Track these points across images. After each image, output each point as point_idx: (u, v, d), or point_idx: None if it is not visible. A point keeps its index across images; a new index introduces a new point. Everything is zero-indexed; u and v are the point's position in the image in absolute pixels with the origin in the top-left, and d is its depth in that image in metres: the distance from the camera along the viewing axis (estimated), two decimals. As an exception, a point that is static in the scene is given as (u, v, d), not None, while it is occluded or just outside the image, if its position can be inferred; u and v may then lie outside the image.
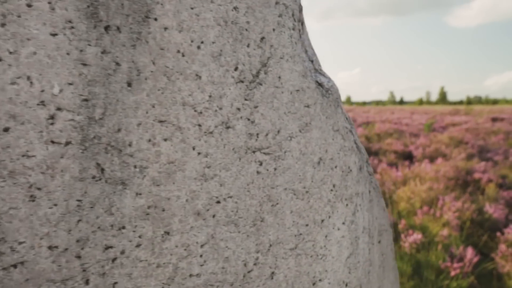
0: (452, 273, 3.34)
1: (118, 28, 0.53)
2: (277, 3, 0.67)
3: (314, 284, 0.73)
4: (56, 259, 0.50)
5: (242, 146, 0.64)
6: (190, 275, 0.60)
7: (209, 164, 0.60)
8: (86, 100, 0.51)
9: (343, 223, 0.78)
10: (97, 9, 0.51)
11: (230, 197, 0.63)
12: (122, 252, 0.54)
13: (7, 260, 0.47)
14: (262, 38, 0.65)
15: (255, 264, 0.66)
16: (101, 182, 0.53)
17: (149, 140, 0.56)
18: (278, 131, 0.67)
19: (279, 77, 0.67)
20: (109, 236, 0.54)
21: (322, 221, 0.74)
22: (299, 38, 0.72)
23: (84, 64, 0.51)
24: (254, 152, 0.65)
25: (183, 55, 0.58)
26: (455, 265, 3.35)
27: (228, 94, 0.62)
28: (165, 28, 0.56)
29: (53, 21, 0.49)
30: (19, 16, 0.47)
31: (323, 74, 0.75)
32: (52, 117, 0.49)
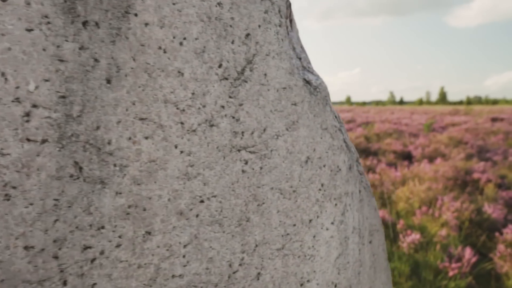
0: (450, 273, 3.33)
1: (96, 24, 0.52)
2: (263, -1, 0.66)
3: (302, 285, 0.72)
4: (32, 260, 0.49)
5: (226, 144, 0.62)
6: (173, 276, 0.59)
7: (192, 163, 0.59)
8: (63, 97, 0.50)
9: (332, 223, 0.76)
10: (75, 4, 0.50)
11: (214, 196, 0.62)
12: (102, 253, 0.53)
13: (-20, 260, 0.46)
14: (247, 35, 0.64)
15: (240, 264, 0.65)
16: (79, 181, 0.52)
17: (130, 138, 0.54)
18: (264, 130, 0.66)
19: (265, 75, 0.66)
20: (88, 236, 0.52)
21: (310, 221, 0.73)
22: (287, 35, 0.70)
23: (61, 60, 0.50)
24: (239, 150, 0.64)
25: (164, 52, 0.56)
26: (453, 265, 3.34)
27: (212, 92, 0.61)
28: (146, 24, 0.55)
29: (28, 16, 0.48)
30: (-8, 11, 0.46)
31: (311, 72, 0.74)
32: (27, 114, 0.48)
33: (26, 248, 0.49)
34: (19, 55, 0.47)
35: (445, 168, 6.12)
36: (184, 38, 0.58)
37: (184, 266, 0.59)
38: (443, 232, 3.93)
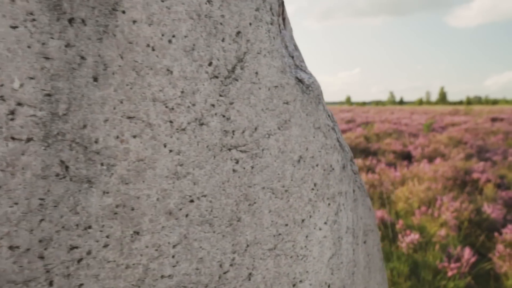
0: (449, 274, 3.32)
1: (83, 21, 0.51)
2: (254, -4, 0.65)
3: (294, 285, 0.72)
4: (17, 260, 0.49)
5: (217, 143, 0.62)
6: (162, 276, 0.58)
7: (181, 162, 0.59)
8: (48, 95, 0.49)
9: (325, 223, 0.76)
10: (60, 1, 0.50)
11: (204, 196, 0.61)
12: (89, 253, 0.53)
13: (-37, 261, 0.46)
14: (238, 33, 0.63)
15: (231, 265, 0.64)
16: (66, 180, 0.51)
17: (117, 137, 0.54)
18: (255, 129, 0.65)
19: (256, 73, 0.65)
20: (74, 236, 0.52)
21: (303, 221, 0.72)
22: (279, 33, 0.70)
23: (47, 58, 0.49)
24: (229, 149, 0.63)
25: (153, 49, 0.56)
26: (452, 265, 3.33)
27: (201, 90, 0.60)
28: (134, 21, 0.54)
29: (13, 13, 0.47)
30: (-25, 7, 0.45)
31: (304, 70, 0.73)
32: (12, 112, 0.47)
33: (11, 248, 0.48)
34: (4, 52, 0.47)
35: (444, 168, 6.11)
36: (173, 36, 0.57)
37: (174, 266, 0.59)
38: (442, 232, 3.93)
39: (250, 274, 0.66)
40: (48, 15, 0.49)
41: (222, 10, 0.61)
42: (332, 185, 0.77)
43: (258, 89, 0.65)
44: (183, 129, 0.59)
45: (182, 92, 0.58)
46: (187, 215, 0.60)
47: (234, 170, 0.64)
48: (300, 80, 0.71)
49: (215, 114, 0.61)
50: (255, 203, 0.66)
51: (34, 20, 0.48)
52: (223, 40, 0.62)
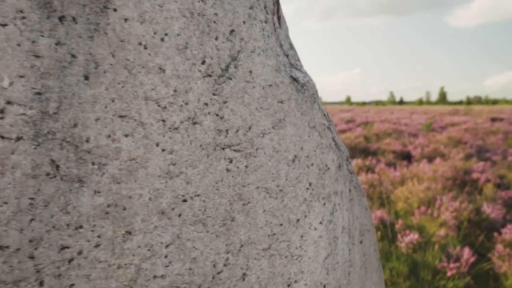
0: (449, 274, 3.32)
1: (73, 19, 0.51)
2: (248, -5, 0.64)
3: (289, 285, 0.71)
4: (7, 260, 0.48)
5: (210, 142, 0.61)
6: (154, 277, 0.57)
7: (174, 161, 0.58)
8: (39, 93, 0.49)
9: (320, 223, 0.75)
10: (51, -1, 0.49)
11: (198, 195, 0.61)
12: (80, 253, 0.52)
13: (-49, 261, 0.45)
14: (232, 31, 0.63)
15: (225, 265, 0.64)
16: (56, 180, 0.50)
17: (109, 136, 0.53)
18: (250, 128, 0.65)
19: (250, 72, 0.65)
20: (65, 236, 0.51)
21: (298, 220, 0.72)
22: (273, 31, 0.69)
23: (37, 56, 0.49)
24: (223, 149, 0.63)
25: (145, 48, 0.55)
26: (452, 265, 3.33)
27: (194, 89, 0.59)
28: (126, 19, 0.54)
29: (2, 11, 0.47)
30: (-37, 5, 0.45)
31: (299, 69, 0.73)
32: (1, 111, 0.47)
33: (1, 248, 0.48)
34: (-7, 50, 0.46)
35: (444, 168, 6.11)
36: (166, 34, 0.57)
37: (166, 266, 0.58)
38: (442, 232, 3.92)
39: (244, 274, 0.66)
40: (38, 13, 0.49)
41: (216, 8, 0.61)
42: (328, 184, 0.77)
43: (252, 88, 0.65)
44: (176, 128, 0.58)
45: (174, 91, 0.58)
46: (180, 215, 0.59)
47: (228, 170, 0.63)
48: (295, 79, 0.71)
49: (209, 113, 0.61)
50: (249, 202, 0.66)
51: (24, 18, 0.48)
52: (216, 38, 0.61)
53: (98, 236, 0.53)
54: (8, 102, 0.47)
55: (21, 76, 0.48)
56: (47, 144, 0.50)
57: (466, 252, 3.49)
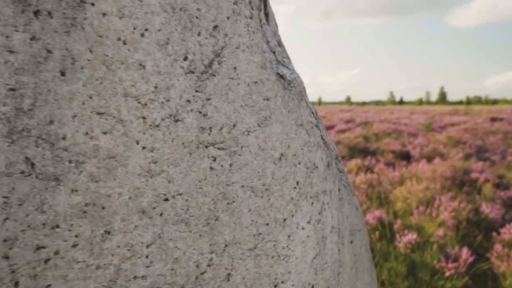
0: (447, 274, 3.30)
1: (49, 13, 0.49)
2: (232, -10, 0.63)
3: (276, 286, 0.70)
4: (-20, 260, 0.47)
5: (193, 140, 0.60)
6: (135, 277, 0.56)
7: (155, 159, 0.57)
8: (13, 89, 0.48)
9: (308, 222, 0.74)
10: (25, -8, 0.48)
11: (180, 194, 0.59)
12: (56, 253, 0.51)
13: None
14: (215, 27, 0.61)
15: (209, 265, 0.62)
16: (31, 178, 0.49)
17: (86, 133, 0.52)
18: (234, 125, 0.64)
19: (235, 68, 0.64)
20: (41, 235, 0.50)
21: (285, 220, 0.71)
22: (259, 27, 0.68)
23: (11, 51, 0.47)
24: (206, 147, 0.61)
25: (124, 43, 0.54)
26: (450, 265, 3.32)
27: (176, 85, 0.58)
28: (104, 14, 0.53)
29: (-26, 5, 0.46)
30: None
31: (286, 66, 0.72)
32: (-27, 107, 0.46)
33: (-27, 248, 0.46)
34: (-36, 45, 0.45)
35: (443, 168, 6.09)
36: (146, 30, 0.56)
37: (147, 267, 0.57)
38: (440, 232, 3.91)
39: (229, 274, 0.64)
40: (12, 7, 0.47)
41: (198, 4, 0.60)
42: (316, 183, 0.75)
43: (236, 85, 0.64)
44: (157, 126, 0.57)
45: (155, 87, 0.57)
46: (161, 214, 0.58)
47: (211, 168, 0.62)
48: (281, 76, 0.69)
49: (191, 110, 0.60)
50: (234, 201, 0.64)
51: (-4, 12, 0.47)
52: (199, 34, 0.60)
53: (76, 236, 0.52)
54: (-19, 98, 0.46)
55: (-6, 72, 0.47)
56: (22, 142, 0.48)
57: (465, 252, 3.48)
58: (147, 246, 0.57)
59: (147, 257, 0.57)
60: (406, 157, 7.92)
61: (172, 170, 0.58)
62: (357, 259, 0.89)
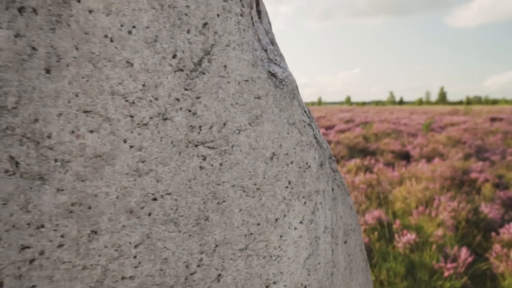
0: (446, 274, 3.30)
1: (34, 10, 0.49)
2: (222, -13, 0.62)
3: (267, 286, 0.69)
4: (-37, 261, 0.46)
5: (182, 139, 0.59)
6: (123, 278, 0.55)
7: (143, 158, 0.56)
8: (-4, 87, 0.47)
9: (301, 222, 0.73)
10: (9, -11, 0.47)
11: (169, 194, 0.59)
12: (41, 253, 0.50)
13: None
14: (205, 24, 0.61)
15: (198, 265, 0.62)
16: (16, 177, 0.48)
17: (72, 132, 0.51)
18: (224, 124, 0.63)
19: (225, 66, 0.63)
20: (26, 235, 0.49)
21: (276, 220, 0.70)
22: (251, 25, 0.67)
23: (-6, 48, 0.47)
24: (196, 146, 0.61)
25: (111, 41, 0.53)
26: (449, 265, 3.31)
27: (165, 84, 0.58)
28: (90, 11, 0.52)
29: (-43, 1, 0.45)
30: None
31: (278, 64, 0.71)
32: (-45, 105, 0.45)
33: (-44, 248, 0.46)
34: None
35: (442, 168, 6.09)
36: (134, 27, 0.55)
37: (135, 267, 0.56)
38: (439, 232, 3.90)
39: (219, 275, 0.64)
40: (-4, 3, 0.47)
41: (187, 1, 0.59)
42: (308, 183, 0.75)
43: (227, 83, 0.63)
44: (145, 124, 0.56)
45: (143, 85, 0.56)
46: (150, 214, 0.57)
47: (201, 167, 0.61)
48: (273, 74, 0.69)
49: (180, 108, 0.59)
50: (224, 201, 0.64)
51: (-21, 8, 0.46)
52: (188, 31, 0.59)
53: (62, 236, 0.51)
54: (-37, 96, 0.45)
55: (-23, 69, 0.46)
56: (6, 140, 0.48)
57: (464, 252, 3.47)
58: (135, 246, 0.56)
59: (135, 257, 0.56)
60: (405, 157, 7.91)
61: (161, 169, 0.58)
62: (352, 260, 0.89)
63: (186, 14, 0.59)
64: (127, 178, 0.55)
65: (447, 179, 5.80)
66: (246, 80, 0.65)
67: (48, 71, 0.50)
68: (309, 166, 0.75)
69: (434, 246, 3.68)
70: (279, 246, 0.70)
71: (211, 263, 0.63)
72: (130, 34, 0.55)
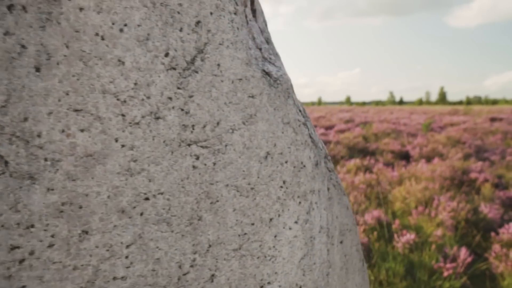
0: (445, 274, 3.29)
1: (23, 8, 0.48)
2: (216, -15, 0.62)
3: (262, 287, 0.69)
4: (-49, 261, 0.46)
5: (174, 138, 0.59)
6: (114, 278, 0.55)
7: (135, 158, 0.56)
8: (-15, 85, 0.46)
9: (296, 222, 0.73)
10: (-3, -14, 0.47)
11: (161, 193, 0.58)
12: (31, 253, 0.50)
13: None
14: (198, 22, 0.60)
15: (191, 266, 0.61)
16: (5, 176, 0.48)
17: (63, 131, 0.51)
18: (218, 123, 0.63)
19: (218, 65, 0.62)
20: (15, 235, 0.49)
21: (271, 220, 0.69)
22: (245, 23, 0.67)
23: (-17, 46, 0.46)
24: (189, 145, 0.60)
25: (102, 39, 0.53)
26: (448, 265, 3.30)
27: (157, 82, 0.57)
28: (81, 9, 0.51)
29: None
30: None
31: (272, 63, 0.70)
32: None
33: None
34: None
35: (442, 168, 6.08)
36: (125, 25, 0.54)
37: (127, 267, 0.56)
38: (439, 232, 3.90)
39: (212, 275, 0.63)
40: (-16, 1, 0.46)
41: (180, -1, 0.58)
42: (303, 182, 0.74)
43: (220, 82, 0.63)
44: (137, 123, 0.56)
45: (135, 84, 0.55)
46: (142, 214, 0.57)
47: (194, 167, 0.61)
48: (267, 73, 0.68)
49: (173, 107, 0.58)
50: (217, 201, 0.63)
51: (-32, 6, 0.45)
52: (181, 30, 0.59)
53: (52, 236, 0.51)
54: (-49, 95, 0.45)
55: (-35, 67, 0.45)
56: (-5, 139, 0.47)
57: (463, 252, 3.46)
58: (127, 247, 0.56)
59: (127, 257, 0.56)
60: (405, 157, 7.90)
61: (153, 168, 0.57)
62: (348, 260, 0.88)
63: (178, 12, 0.58)
64: (119, 177, 0.55)
65: (447, 179, 5.79)
66: (240, 79, 0.65)
67: (38, 69, 0.49)
68: (304, 166, 0.74)
69: (433, 246, 3.67)
70: (274, 246, 0.70)
71: (204, 263, 0.62)
72: (121, 32, 0.54)
